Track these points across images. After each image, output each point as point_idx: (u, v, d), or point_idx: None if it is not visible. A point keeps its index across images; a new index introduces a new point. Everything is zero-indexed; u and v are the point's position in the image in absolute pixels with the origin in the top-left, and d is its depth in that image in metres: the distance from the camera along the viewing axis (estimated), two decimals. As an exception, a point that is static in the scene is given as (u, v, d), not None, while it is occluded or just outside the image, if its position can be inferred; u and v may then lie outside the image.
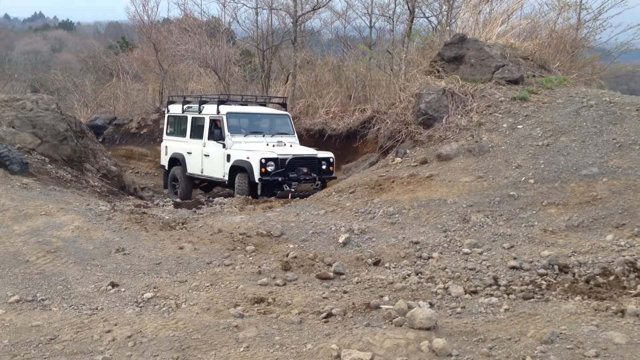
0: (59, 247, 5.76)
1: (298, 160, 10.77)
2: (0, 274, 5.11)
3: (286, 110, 12.89)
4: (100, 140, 15.64)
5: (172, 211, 8.02)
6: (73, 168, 9.91)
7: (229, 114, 11.26)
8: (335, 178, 11.31)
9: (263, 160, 10.33)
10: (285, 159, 10.55)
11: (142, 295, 4.65)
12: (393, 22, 21.54)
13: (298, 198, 9.68)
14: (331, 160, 11.23)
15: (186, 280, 5.04)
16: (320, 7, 18.69)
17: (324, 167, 11.02)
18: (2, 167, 8.29)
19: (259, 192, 10.45)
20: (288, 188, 10.42)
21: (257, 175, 10.33)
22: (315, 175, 10.80)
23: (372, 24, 23.05)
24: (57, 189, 8.32)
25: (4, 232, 6.09)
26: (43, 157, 9.47)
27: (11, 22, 76.16)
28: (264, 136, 11.46)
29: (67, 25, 63.80)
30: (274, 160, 10.47)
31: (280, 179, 10.41)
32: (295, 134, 11.99)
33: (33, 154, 9.41)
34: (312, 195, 9.05)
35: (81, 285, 4.93)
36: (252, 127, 11.65)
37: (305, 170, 10.72)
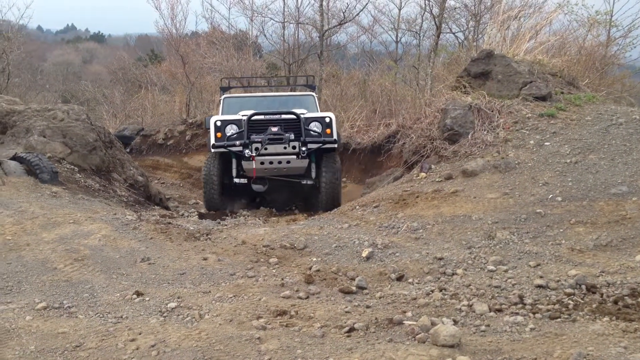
0: (86, 255, 5.84)
1: (265, 119, 8.65)
2: (28, 280, 5.21)
3: (314, 91, 11.67)
4: (128, 150, 15.92)
5: (197, 222, 8.09)
6: (101, 177, 10.07)
7: (225, 99, 10.65)
8: (334, 142, 8.93)
9: (218, 123, 8.56)
10: (245, 119, 8.52)
11: (166, 305, 4.69)
12: (419, 37, 21.68)
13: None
14: (327, 120, 8.87)
15: (210, 291, 5.06)
16: (346, 22, 18.93)
17: (316, 129, 8.82)
18: (33, 175, 8.46)
19: (233, 172, 8.70)
20: (250, 154, 8.43)
21: (212, 142, 8.62)
22: (288, 135, 8.57)
23: (399, 39, 23.19)
24: (86, 197, 8.46)
25: (33, 239, 6.21)
26: (72, 167, 9.64)
27: (44, 34, 78.22)
28: None
29: (98, 38, 65.32)
30: (236, 122, 8.64)
31: (238, 143, 8.47)
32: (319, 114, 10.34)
33: (63, 163, 9.59)
34: (336, 209, 8.40)
35: (107, 294, 4.99)
36: (257, 110, 10.30)
37: (275, 129, 8.57)
